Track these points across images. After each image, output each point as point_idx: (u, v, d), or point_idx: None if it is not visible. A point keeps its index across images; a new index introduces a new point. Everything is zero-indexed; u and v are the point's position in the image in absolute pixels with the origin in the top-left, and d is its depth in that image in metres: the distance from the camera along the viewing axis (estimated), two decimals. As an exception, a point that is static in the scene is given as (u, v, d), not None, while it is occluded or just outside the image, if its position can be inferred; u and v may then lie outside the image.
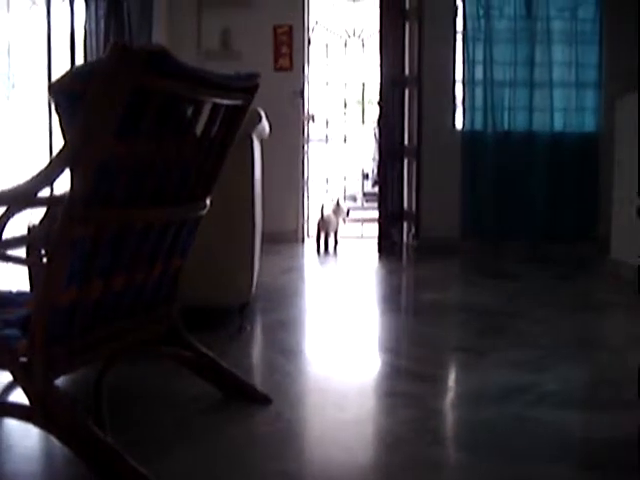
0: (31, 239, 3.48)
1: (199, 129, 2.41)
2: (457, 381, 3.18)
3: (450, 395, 3.05)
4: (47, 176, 1.91)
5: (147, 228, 2.24)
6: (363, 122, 9.60)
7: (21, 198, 1.95)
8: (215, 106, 2.36)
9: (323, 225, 6.71)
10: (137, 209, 2.15)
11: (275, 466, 2.23)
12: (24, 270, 3.62)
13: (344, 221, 7.05)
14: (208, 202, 2.53)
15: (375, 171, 9.70)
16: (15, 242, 3.54)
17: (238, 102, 2.42)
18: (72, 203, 1.95)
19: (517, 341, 3.68)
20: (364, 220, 7.82)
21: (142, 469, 2.03)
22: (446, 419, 2.78)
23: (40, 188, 1.93)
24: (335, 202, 6.95)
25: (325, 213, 6.71)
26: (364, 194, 10.20)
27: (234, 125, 2.52)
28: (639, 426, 2.42)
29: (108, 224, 2.06)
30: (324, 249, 6.75)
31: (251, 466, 2.27)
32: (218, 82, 2.27)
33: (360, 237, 7.51)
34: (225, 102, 2.35)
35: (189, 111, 2.35)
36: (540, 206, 6.81)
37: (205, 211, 2.52)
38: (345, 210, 7.03)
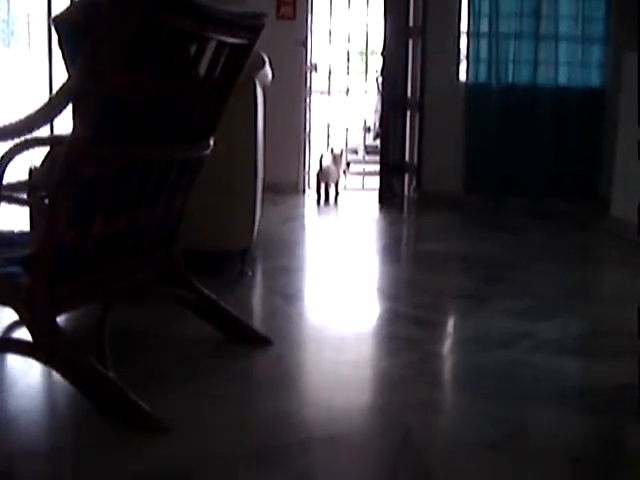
0: (33, 180, 3.49)
1: (203, 69, 2.39)
2: (457, 327, 3.20)
3: (450, 340, 3.07)
4: (51, 108, 1.89)
5: (150, 167, 2.23)
6: (366, 73, 9.51)
7: (26, 130, 1.93)
8: (220, 44, 2.34)
9: (322, 176, 6.59)
10: (141, 146, 2.14)
11: (274, 405, 2.24)
12: (25, 212, 3.62)
13: (344, 173, 6.92)
14: (211, 142, 2.52)
15: (377, 124, 9.65)
16: (17, 186, 3.55)
17: (243, 41, 2.40)
18: (76, 139, 1.94)
19: (517, 291, 3.69)
20: (365, 173, 7.78)
21: (143, 404, 2.05)
22: (445, 363, 2.81)
23: (44, 121, 1.92)
24: (335, 153, 6.81)
25: (324, 164, 6.60)
26: (365, 147, 10.15)
27: (238, 65, 2.50)
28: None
29: (112, 161, 2.05)
30: (324, 200, 6.62)
31: (250, 405, 2.29)
32: (224, 19, 2.24)
33: (361, 189, 7.48)
34: (230, 40, 2.33)
35: (192, 50, 2.33)
36: (543, 161, 6.77)
37: (208, 151, 2.51)
38: (345, 161, 6.90)
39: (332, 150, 6.75)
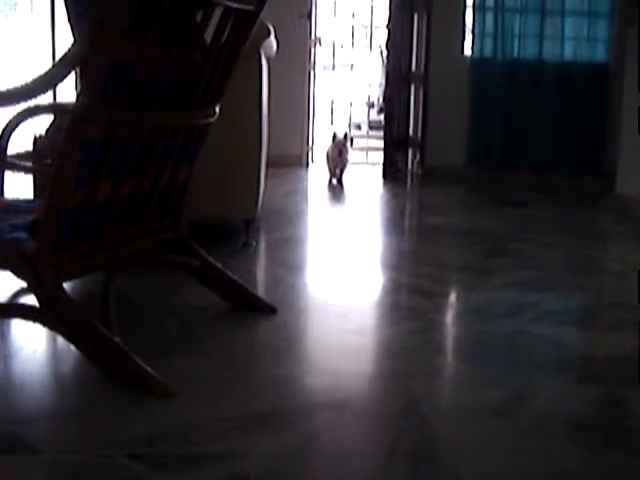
0: (37, 149, 3.49)
1: (208, 36, 2.38)
2: (461, 297, 3.21)
3: (453, 310, 3.09)
4: (56, 72, 1.89)
5: (156, 133, 2.23)
6: (370, 47, 9.46)
7: (32, 93, 1.93)
8: (226, 10, 2.33)
9: (328, 163, 6.30)
10: (147, 112, 2.14)
11: (279, 371, 2.26)
12: (29, 181, 3.62)
13: (342, 156, 6.24)
14: (217, 110, 2.52)
15: (381, 98, 9.61)
16: (22, 155, 3.55)
17: (249, 7, 2.39)
18: (82, 103, 1.95)
19: (521, 263, 3.70)
20: (369, 148, 7.77)
21: (148, 368, 2.06)
22: (449, 331, 2.82)
23: (50, 84, 1.92)
24: (337, 139, 6.23)
25: (328, 151, 6.28)
26: (369, 122, 10.12)
27: (244, 32, 2.49)
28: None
29: (118, 126, 2.05)
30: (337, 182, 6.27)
31: (255, 371, 2.30)
32: (230, -16, 2.23)
33: (364, 163, 7.47)
34: (236, 6, 2.32)
35: (198, 17, 2.33)
36: (547, 135, 6.75)
37: (214, 119, 2.51)
38: (348, 147, 6.31)
39: (334, 136, 6.27)
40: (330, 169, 6.31)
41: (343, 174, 6.29)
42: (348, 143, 6.28)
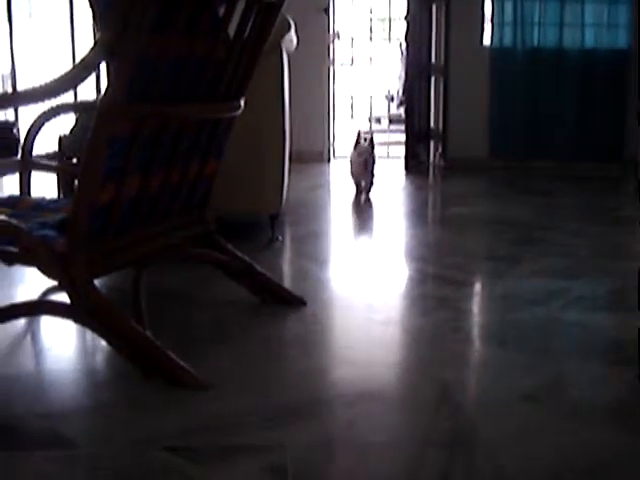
0: (62, 148, 3.51)
1: (232, 30, 2.38)
2: (489, 286, 3.19)
3: (482, 298, 3.07)
4: (84, 68, 1.90)
5: (183, 126, 2.24)
6: (389, 40, 9.45)
7: (59, 90, 1.93)
8: (249, 3, 2.33)
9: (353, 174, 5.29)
10: (173, 106, 2.15)
11: (311, 363, 2.26)
12: (54, 181, 3.65)
13: (367, 168, 5.18)
14: (242, 103, 2.52)
15: (401, 91, 9.59)
16: (47, 155, 3.58)
17: (272, 0, 2.39)
18: (109, 97, 1.95)
19: (548, 251, 3.68)
20: (390, 143, 7.75)
21: (181, 362, 2.07)
22: (479, 320, 2.81)
23: (80, 79, 1.93)
24: (360, 148, 5.23)
25: (352, 159, 5.27)
26: (389, 117, 10.10)
27: (266, 26, 2.49)
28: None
29: (146, 119, 2.05)
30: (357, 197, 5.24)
31: (286, 362, 2.31)
32: (252, -24, 2.23)
33: (386, 157, 7.45)
34: (259, -1, 2.32)
35: (221, 11, 2.33)
36: (569, 125, 6.71)
37: (239, 112, 2.51)
38: (374, 154, 5.26)
39: (357, 142, 5.24)
40: (355, 183, 5.26)
41: (371, 189, 5.20)
42: (374, 150, 5.24)
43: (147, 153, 2.16)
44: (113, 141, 2.00)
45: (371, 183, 5.20)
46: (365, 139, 5.27)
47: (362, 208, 5.03)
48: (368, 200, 5.12)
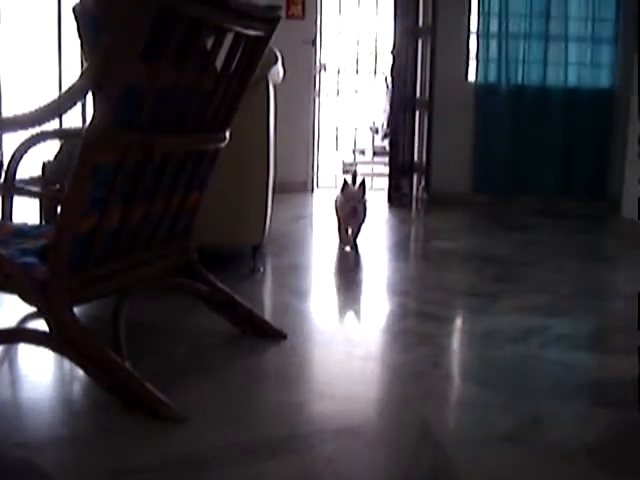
0: (46, 174, 3.49)
1: (219, 62, 2.39)
2: (470, 322, 3.19)
3: (463, 335, 3.07)
4: (71, 96, 1.89)
5: (167, 157, 2.24)
6: (375, 73, 9.51)
7: (47, 118, 1.92)
8: (237, 36, 2.34)
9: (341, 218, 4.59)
10: (159, 135, 2.14)
11: (290, 397, 2.24)
12: (36, 206, 3.63)
13: (356, 215, 4.47)
14: (227, 135, 2.52)
15: (385, 124, 9.64)
16: (30, 181, 3.56)
17: (259, 33, 2.40)
18: (95, 126, 1.94)
19: (530, 288, 3.69)
20: (374, 174, 7.77)
21: (159, 394, 2.05)
22: (460, 357, 2.80)
23: (65, 108, 1.92)
24: (347, 190, 4.50)
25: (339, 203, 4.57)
26: (374, 149, 10.14)
27: (254, 58, 2.50)
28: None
29: (130, 149, 2.05)
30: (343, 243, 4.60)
31: (265, 397, 2.29)
32: (241, 10, 2.24)
33: (370, 189, 7.46)
34: (247, 32, 2.33)
35: (209, 43, 2.34)
36: (552, 161, 6.76)
37: (224, 144, 2.51)
38: (363, 198, 4.50)
39: (344, 185, 4.51)
40: (340, 231, 4.58)
41: (358, 236, 4.55)
42: (365, 195, 4.49)
43: (131, 183, 2.15)
44: (98, 170, 1.99)
45: (359, 230, 4.53)
46: (354, 181, 4.56)
47: (347, 256, 4.48)
48: (355, 247, 4.50)
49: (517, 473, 1.81)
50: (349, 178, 4.61)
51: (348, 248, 4.53)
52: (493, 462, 1.86)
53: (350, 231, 4.52)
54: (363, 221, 4.55)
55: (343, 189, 4.49)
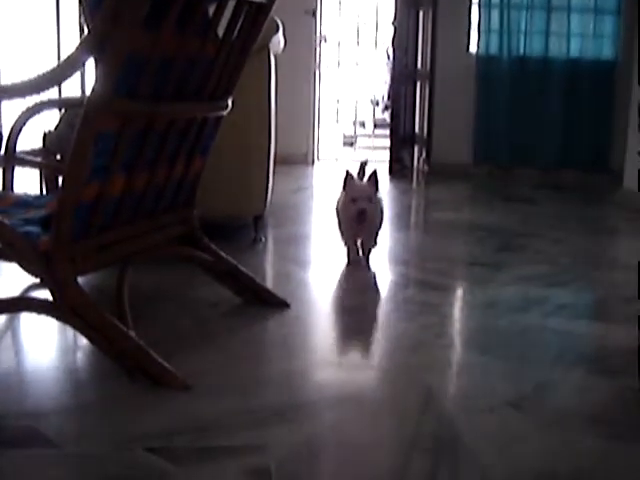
0: (47, 144, 3.48)
1: (221, 30, 2.37)
2: (473, 292, 3.18)
3: (466, 304, 3.07)
4: (73, 62, 1.88)
5: (170, 125, 2.23)
6: (376, 45, 9.45)
7: (48, 85, 1.91)
8: (239, 3, 2.33)
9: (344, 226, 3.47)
10: (161, 103, 2.13)
11: (293, 365, 2.24)
12: (36, 178, 3.62)
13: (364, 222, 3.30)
14: (229, 103, 2.51)
15: (386, 96, 9.61)
16: (31, 152, 3.55)
17: (262, 0, 2.38)
18: (97, 93, 1.93)
19: (532, 258, 3.69)
20: (374, 147, 7.75)
21: (163, 362, 2.05)
22: (463, 325, 2.81)
23: (66, 75, 1.90)
24: (354, 191, 3.32)
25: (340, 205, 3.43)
26: (374, 122, 10.10)
27: (256, 26, 2.48)
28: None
29: (133, 117, 2.04)
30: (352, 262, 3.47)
31: (269, 365, 2.30)
32: (243, -24, 2.22)
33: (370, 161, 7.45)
34: (249, -1, 2.31)
35: (211, 10, 2.32)
36: (554, 133, 6.75)
37: (226, 111, 2.50)
38: (374, 197, 3.33)
39: (346, 178, 3.33)
40: (346, 245, 3.48)
41: (371, 250, 3.46)
42: (378, 192, 3.35)
43: (133, 152, 2.14)
44: (99, 138, 1.98)
45: (373, 242, 3.45)
46: (362, 173, 3.54)
47: (357, 279, 3.33)
48: (367, 263, 3.45)
49: (520, 439, 1.81)
50: (353, 168, 3.51)
51: (361, 260, 3.45)
52: (496, 429, 1.86)
53: (359, 242, 3.45)
54: (379, 228, 3.43)
55: (345, 185, 3.31)
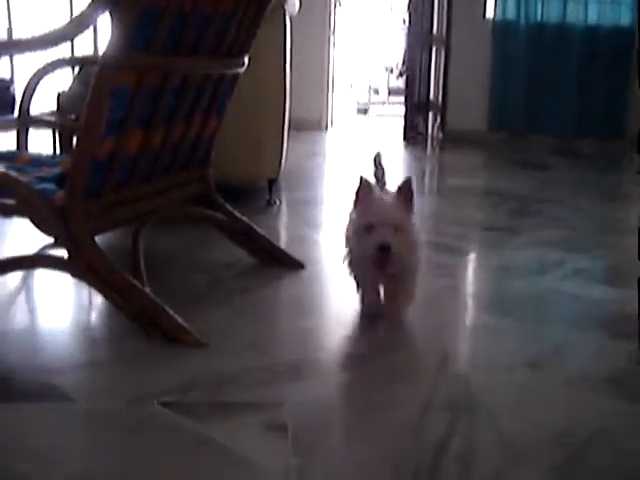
0: (61, 104, 3.46)
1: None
2: (490, 256, 3.16)
3: (483, 267, 3.05)
4: (87, 17, 1.86)
5: (185, 81, 2.21)
6: (391, 10, 9.36)
7: (62, 39, 1.89)
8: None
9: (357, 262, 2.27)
10: (178, 57, 2.11)
11: (308, 324, 2.24)
12: (49, 140, 3.61)
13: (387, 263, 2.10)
14: (245, 60, 2.48)
15: (401, 62, 9.53)
16: (45, 115, 3.53)
17: (279, -45, 2.35)
18: (113, 49, 1.91)
19: (549, 223, 3.67)
20: (388, 115, 7.70)
21: (179, 319, 2.05)
22: (480, 288, 2.79)
23: (80, 30, 1.88)
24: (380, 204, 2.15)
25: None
26: (388, 89, 10.02)
27: (272, -17, 2.46)
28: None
29: (149, 71, 2.02)
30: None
31: (283, 323, 2.31)
32: None
33: (384, 129, 7.42)
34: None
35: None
36: (570, 100, 6.68)
37: (242, 69, 2.48)
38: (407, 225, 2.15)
39: (360, 189, 2.15)
40: (359, 283, 2.33)
41: (399, 305, 2.28)
42: (412, 209, 2.17)
43: (149, 108, 2.12)
44: (115, 93, 1.96)
45: (408, 299, 2.27)
46: (381, 172, 2.40)
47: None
48: (394, 321, 2.29)
49: (537, 400, 1.81)
50: (368, 172, 2.31)
51: (383, 315, 2.30)
52: (513, 390, 1.85)
53: (383, 290, 2.29)
54: (414, 274, 2.25)
55: (358, 200, 2.15)
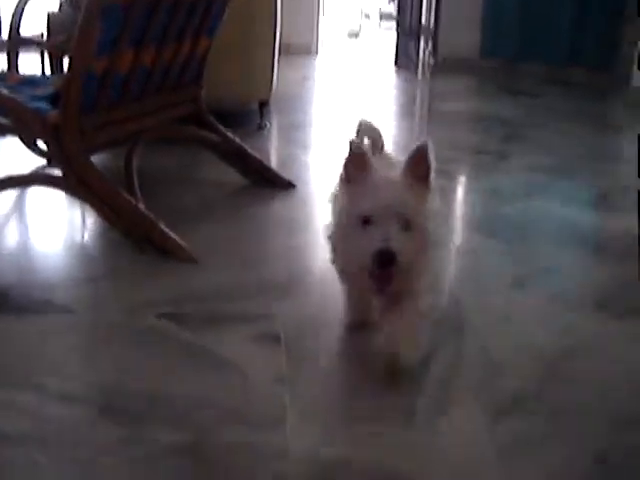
0: (51, 25, 3.44)
1: None
2: (479, 179, 3.19)
3: (472, 190, 3.08)
4: None
5: (177, 1, 2.20)
6: None
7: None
8: None
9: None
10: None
11: (297, 242, 2.29)
12: (37, 64, 3.59)
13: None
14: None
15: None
16: (35, 37, 3.51)
17: None
18: (105, -37, 1.91)
19: (537, 149, 3.69)
20: (379, 42, 7.64)
21: (172, 234, 2.09)
22: (469, 209, 2.82)
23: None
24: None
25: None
26: (380, 14, 9.92)
27: None
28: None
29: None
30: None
31: (274, 242, 2.35)
32: None
33: (375, 54, 7.37)
34: None
35: None
36: (563, 29, 6.62)
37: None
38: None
39: (346, 176, 1.51)
40: (345, 288, 1.73)
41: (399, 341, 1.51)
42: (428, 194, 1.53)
43: (141, 27, 2.12)
44: (107, 11, 1.97)
45: (417, 315, 1.56)
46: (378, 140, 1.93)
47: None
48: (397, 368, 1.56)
49: (523, 316, 1.85)
50: (358, 142, 1.70)
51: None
52: (502, 307, 1.90)
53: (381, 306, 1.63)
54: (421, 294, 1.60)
55: (348, 177, 1.52)
